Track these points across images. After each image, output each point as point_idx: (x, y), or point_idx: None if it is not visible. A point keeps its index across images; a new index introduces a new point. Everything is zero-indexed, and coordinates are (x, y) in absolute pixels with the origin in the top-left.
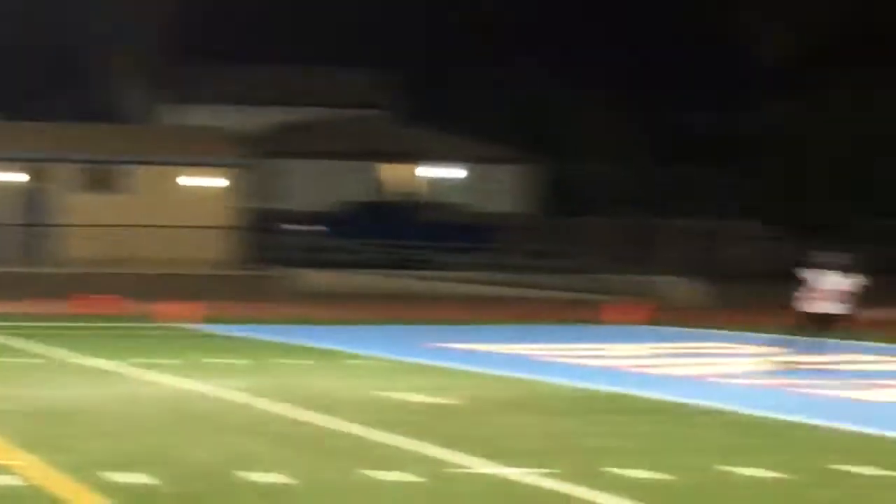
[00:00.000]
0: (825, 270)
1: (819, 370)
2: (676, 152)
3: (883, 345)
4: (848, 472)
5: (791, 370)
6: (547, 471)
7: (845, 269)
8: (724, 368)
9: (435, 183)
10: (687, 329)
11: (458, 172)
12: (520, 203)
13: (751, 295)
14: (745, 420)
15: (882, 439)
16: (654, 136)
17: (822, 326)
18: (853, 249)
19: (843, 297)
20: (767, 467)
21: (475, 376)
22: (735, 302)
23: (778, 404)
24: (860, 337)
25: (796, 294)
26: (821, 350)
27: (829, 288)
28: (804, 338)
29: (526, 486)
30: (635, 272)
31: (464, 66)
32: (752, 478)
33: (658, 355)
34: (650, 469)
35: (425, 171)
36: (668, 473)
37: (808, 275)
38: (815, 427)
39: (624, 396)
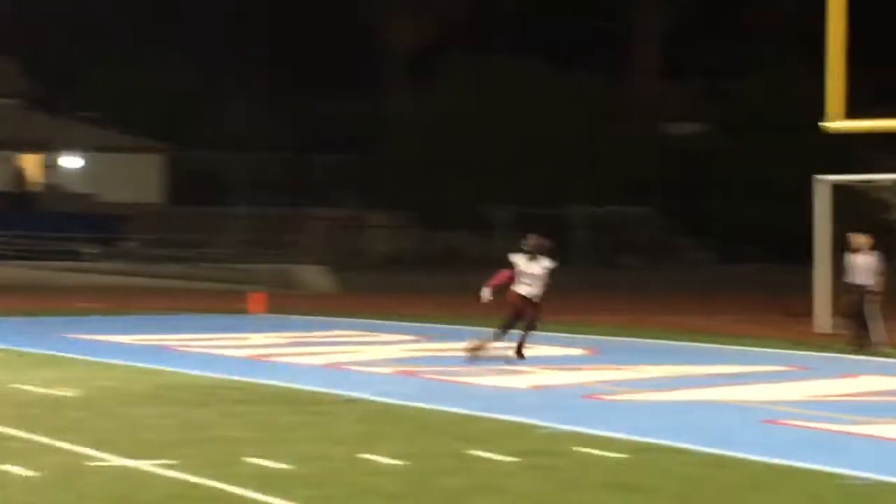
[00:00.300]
0: (528, 255)
1: (453, 357)
2: (315, 141)
3: (512, 331)
4: (478, 458)
5: (425, 357)
6: (179, 462)
7: (543, 253)
8: (360, 356)
9: (67, 172)
10: (324, 318)
11: (92, 162)
12: (156, 193)
13: (387, 282)
14: (380, 408)
15: (512, 425)
16: (292, 125)
17: (522, 311)
18: (489, 238)
19: (541, 281)
20: (400, 455)
21: (110, 367)
22: (372, 289)
23: (412, 392)
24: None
25: (499, 280)
26: (500, 338)
27: (531, 272)
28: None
29: (156, 478)
30: (276, 261)
31: (102, 55)
32: (385, 465)
33: (295, 344)
34: (286, 460)
35: (57, 161)
36: (303, 464)
37: (516, 259)
38: (448, 413)
39: (261, 386)
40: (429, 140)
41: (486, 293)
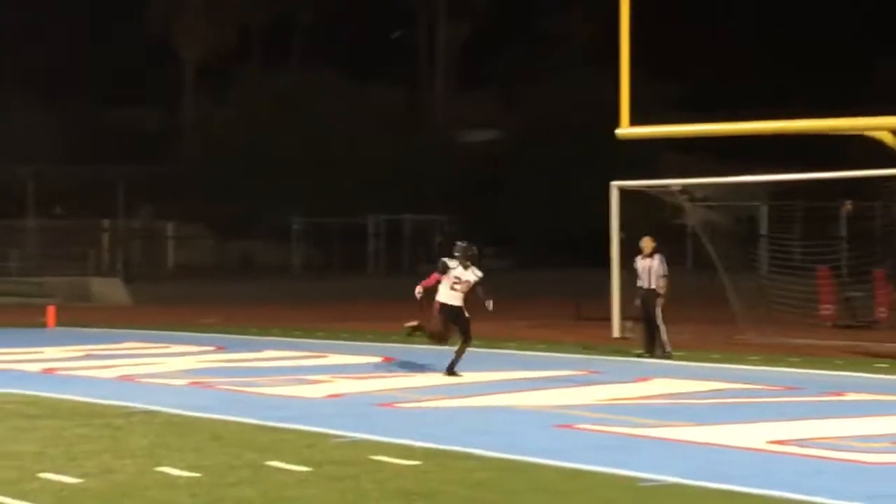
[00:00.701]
0: (462, 262)
1: (248, 367)
2: (108, 151)
3: (308, 340)
4: (273, 469)
5: (220, 368)
6: None
7: (473, 262)
8: (154, 368)
9: None
10: (119, 330)
11: None
12: None
13: (182, 293)
14: (174, 420)
15: (307, 434)
16: (85, 135)
17: (451, 319)
18: (286, 247)
19: (468, 289)
20: (194, 467)
21: None
22: (168, 301)
23: (206, 403)
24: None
25: (430, 281)
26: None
27: (465, 279)
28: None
29: None
30: (70, 273)
31: None
32: (179, 477)
33: (90, 357)
34: (79, 474)
35: None
36: (97, 478)
37: (451, 264)
38: (242, 424)
39: (54, 400)
40: (224, 150)
41: (418, 290)
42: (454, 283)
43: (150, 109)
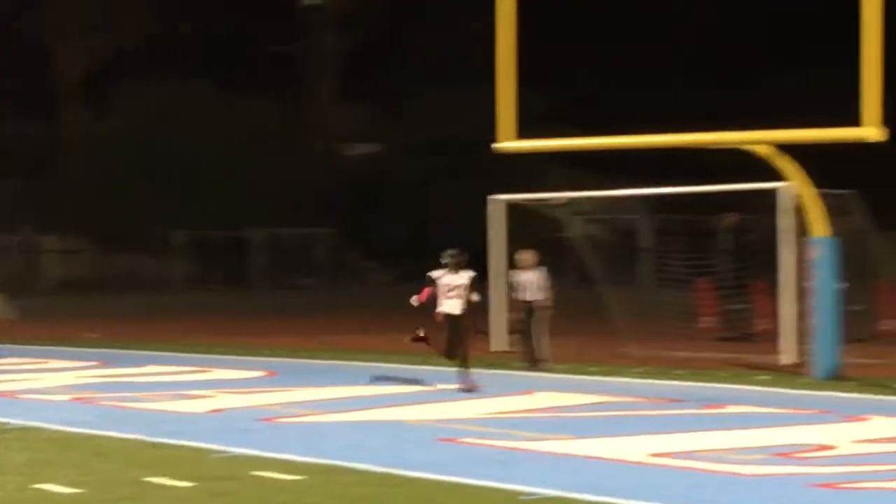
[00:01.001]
0: (450, 268)
1: (131, 383)
2: None
3: (190, 355)
4: (155, 485)
5: (102, 383)
6: None
7: (462, 266)
8: (35, 384)
9: None
10: None
11: None
12: None
13: (63, 307)
14: (55, 436)
15: (189, 450)
16: None
17: (452, 328)
18: (167, 260)
19: (465, 292)
20: (75, 484)
21: None
22: (48, 315)
23: (88, 419)
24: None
25: (424, 295)
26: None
27: (457, 284)
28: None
29: None
30: None
31: None
32: (59, 494)
33: None
34: None
35: None
36: None
37: (436, 275)
38: (125, 440)
39: None
40: (103, 164)
41: (414, 300)
42: (448, 290)
43: (29, 122)
